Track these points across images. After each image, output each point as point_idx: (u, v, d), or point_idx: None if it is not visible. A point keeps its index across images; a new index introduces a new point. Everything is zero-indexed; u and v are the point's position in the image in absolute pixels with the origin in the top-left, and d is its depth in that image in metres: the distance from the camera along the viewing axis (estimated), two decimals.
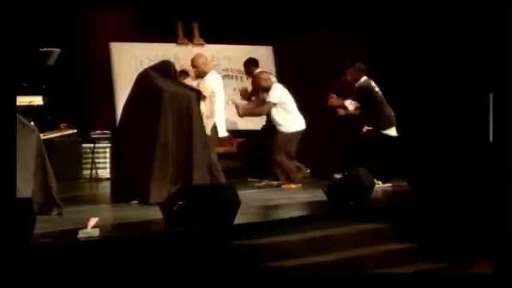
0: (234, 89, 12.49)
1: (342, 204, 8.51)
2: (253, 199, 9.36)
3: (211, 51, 12.42)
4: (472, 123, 11.37)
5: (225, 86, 12.10)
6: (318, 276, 7.03)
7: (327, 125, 11.91)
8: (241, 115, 11.27)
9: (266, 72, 11.29)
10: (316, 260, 7.33)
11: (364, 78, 10.87)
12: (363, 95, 10.81)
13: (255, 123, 11.70)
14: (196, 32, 12.75)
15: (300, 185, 10.75)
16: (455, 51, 11.48)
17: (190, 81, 10.18)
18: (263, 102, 10.98)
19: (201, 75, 10.27)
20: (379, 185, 10.24)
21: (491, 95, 11.37)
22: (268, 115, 11.01)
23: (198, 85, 10.05)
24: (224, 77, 12.46)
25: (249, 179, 11.10)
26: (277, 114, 10.85)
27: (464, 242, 8.28)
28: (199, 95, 9.47)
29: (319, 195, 8.86)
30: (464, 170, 9.20)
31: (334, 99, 11.07)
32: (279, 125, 10.84)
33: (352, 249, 7.75)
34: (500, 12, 9.21)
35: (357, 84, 10.91)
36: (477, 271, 7.66)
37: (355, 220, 8.21)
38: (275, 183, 10.88)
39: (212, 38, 12.25)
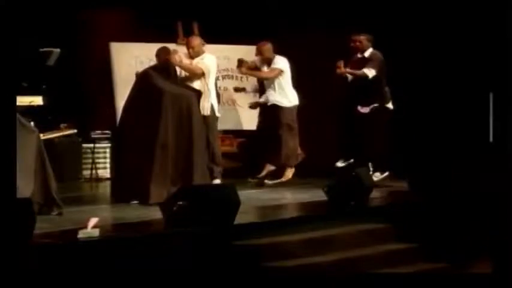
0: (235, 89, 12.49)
1: (343, 204, 8.50)
2: (253, 199, 9.35)
3: (211, 51, 12.41)
4: (472, 123, 11.37)
5: (225, 86, 12.12)
6: (318, 277, 7.03)
7: (327, 124, 11.91)
8: (243, 73, 11.27)
9: (267, 42, 11.26)
10: (316, 260, 7.33)
11: (372, 49, 10.80)
12: (380, 63, 10.72)
13: (255, 124, 11.69)
14: (196, 32, 12.73)
15: (293, 169, 10.72)
16: (455, 51, 11.48)
17: (185, 60, 10.27)
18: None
19: (197, 55, 10.31)
20: (378, 177, 10.25)
21: (491, 95, 11.36)
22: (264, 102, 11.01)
23: (191, 63, 10.17)
24: (224, 77, 12.47)
25: (249, 179, 11.09)
26: (279, 89, 10.83)
27: (464, 242, 8.28)
28: (199, 95, 9.49)
29: (319, 195, 8.86)
30: (464, 170, 9.20)
31: (344, 69, 10.68)
32: (285, 99, 10.83)
33: (352, 249, 7.75)
34: (500, 12, 9.21)
35: (369, 53, 10.70)
36: (477, 271, 7.66)
37: (355, 220, 8.21)
38: (273, 181, 10.88)
39: (212, 38, 12.22)
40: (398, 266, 7.65)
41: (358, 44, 10.80)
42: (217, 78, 10.96)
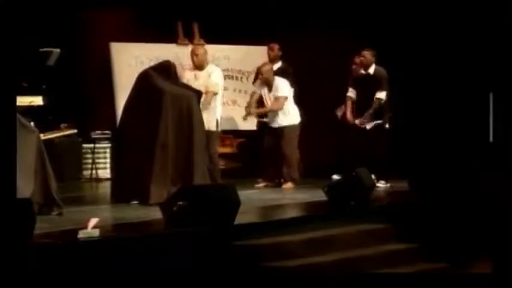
0: (234, 90, 12.48)
1: (343, 204, 8.50)
2: (253, 199, 9.35)
3: (211, 51, 12.41)
4: (472, 123, 11.37)
5: (225, 86, 12.14)
6: (318, 277, 7.03)
7: (326, 125, 11.91)
8: (253, 113, 11.14)
9: (268, 63, 11.19)
10: (316, 260, 7.33)
11: (375, 65, 10.78)
12: (387, 82, 10.67)
13: (254, 124, 11.68)
14: (196, 32, 12.76)
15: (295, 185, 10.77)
16: (456, 51, 11.48)
17: (188, 72, 10.36)
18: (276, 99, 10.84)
19: (201, 64, 10.30)
20: (384, 185, 10.30)
21: (491, 95, 11.37)
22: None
23: (196, 76, 10.20)
24: (224, 77, 12.47)
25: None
26: (283, 111, 10.77)
27: (464, 242, 8.28)
28: (199, 96, 9.49)
29: (319, 195, 8.86)
30: (464, 170, 9.20)
31: (360, 121, 10.69)
32: (288, 117, 10.79)
33: (353, 249, 7.74)
34: (500, 12, 9.22)
35: (373, 70, 10.68)
36: (477, 271, 7.66)
37: (355, 220, 8.21)
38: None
39: (212, 38, 12.24)
40: (398, 266, 7.64)
41: (362, 59, 10.76)
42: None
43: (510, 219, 7.36)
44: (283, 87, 10.81)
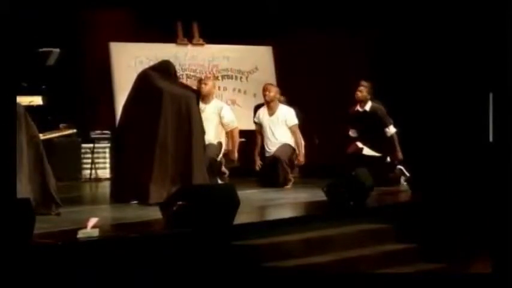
0: (234, 89, 12.48)
1: (342, 204, 8.50)
2: (253, 199, 9.36)
3: (211, 51, 12.43)
4: (472, 123, 11.37)
5: (225, 86, 12.16)
6: (317, 277, 7.03)
7: (324, 125, 11.92)
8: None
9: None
10: (315, 260, 7.33)
11: (371, 102, 10.64)
12: (387, 115, 10.61)
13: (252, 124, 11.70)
14: (195, 32, 12.77)
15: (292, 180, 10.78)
16: (455, 51, 11.49)
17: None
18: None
19: (208, 94, 10.30)
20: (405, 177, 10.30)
21: (491, 95, 11.37)
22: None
23: (200, 109, 10.04)
24: (224, 77, 12.49)
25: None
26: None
27: (464, 242, 8.28)
28: (199, 96, 9.48)
29: (319, 195, 8.86)
30: (464, 170, 9.20)
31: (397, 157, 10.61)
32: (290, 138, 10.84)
33: (352, 249, 7.74)
34: (500, 12, 9.21)
35: (370, 107, 10.53)
36: (477, 271, 7.66)
37: (355, 220, 8.21)
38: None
39: (212, 38, 12.25)
40: (398, 266, 7.64)
41: (357, 93, 10.53)
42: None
43: (510, 219, 7.36)
44: (295, 114, 10.75)
